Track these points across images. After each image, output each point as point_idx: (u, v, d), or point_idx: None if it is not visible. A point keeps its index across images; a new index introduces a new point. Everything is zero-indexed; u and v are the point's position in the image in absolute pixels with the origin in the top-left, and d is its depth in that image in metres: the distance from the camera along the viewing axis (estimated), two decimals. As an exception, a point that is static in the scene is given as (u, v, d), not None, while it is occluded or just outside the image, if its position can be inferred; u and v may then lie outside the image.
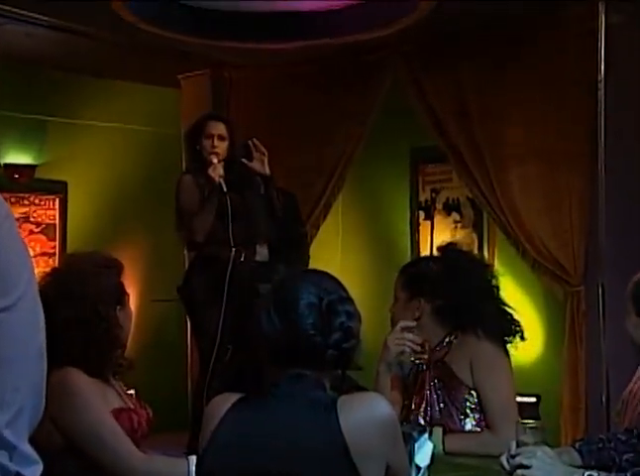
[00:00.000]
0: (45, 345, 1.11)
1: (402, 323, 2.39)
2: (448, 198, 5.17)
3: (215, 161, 4.03)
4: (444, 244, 2.61)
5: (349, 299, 1.66)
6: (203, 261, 4.06)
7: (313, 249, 5.07)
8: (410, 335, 2.35)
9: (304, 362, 1.61)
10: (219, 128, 4.13)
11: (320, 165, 5.10)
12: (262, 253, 4.22)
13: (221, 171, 4.02)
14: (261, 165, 4.12)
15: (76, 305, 2.06)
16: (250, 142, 4.13)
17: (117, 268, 2.19)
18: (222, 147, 4.10)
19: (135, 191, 5.57)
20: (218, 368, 3.92)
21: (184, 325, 5.11)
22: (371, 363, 2.42)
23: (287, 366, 1.62)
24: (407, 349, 2.35)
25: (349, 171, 5.12)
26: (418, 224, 5.29)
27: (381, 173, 5.43)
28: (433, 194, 5.04)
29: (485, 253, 4.95)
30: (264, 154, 4.13)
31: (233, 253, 3.95)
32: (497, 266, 4.56)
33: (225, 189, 4.00)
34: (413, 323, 2.40)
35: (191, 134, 4.20)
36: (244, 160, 4.12)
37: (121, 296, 2.18)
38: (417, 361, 2.47)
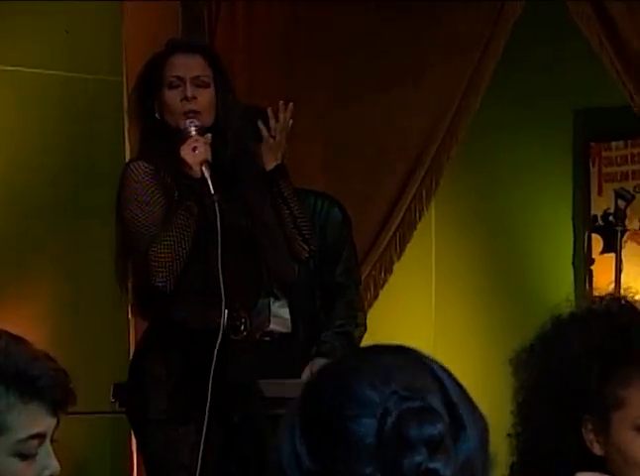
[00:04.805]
0: None
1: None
2: (650, 210, 5.19)
3: (193, 131, 4.05)
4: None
5: (450, 406, 1.61)
6: (167, 336, 4.07)
7: (379, 308, 5.12)
8: None
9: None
10: (194, 64, 4.14)
11: (392, 143, 5.15)
12: (280, 318, 4.30)
13: (208, 154, 4.05)
14: (268, 151, 4.18)
15: None
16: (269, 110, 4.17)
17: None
18: (203, 99, 4.11)
19: (42, 195, 5.66)
20: None
21: (128, 458, 5.20)
22: None
23: None
24: None
25: (451, 154, 5.16)
26: (591, 260, 5.32)
27: (517, 158, 5.45)
28: (620, 202, 5.02)
29: None
30: (283, 129, 4.18)
31: (225, 319, 4.00)
32: None
33: (212, 190, 4.04)
34: None
35: (143, 82, 4.21)
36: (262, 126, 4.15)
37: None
38: None
